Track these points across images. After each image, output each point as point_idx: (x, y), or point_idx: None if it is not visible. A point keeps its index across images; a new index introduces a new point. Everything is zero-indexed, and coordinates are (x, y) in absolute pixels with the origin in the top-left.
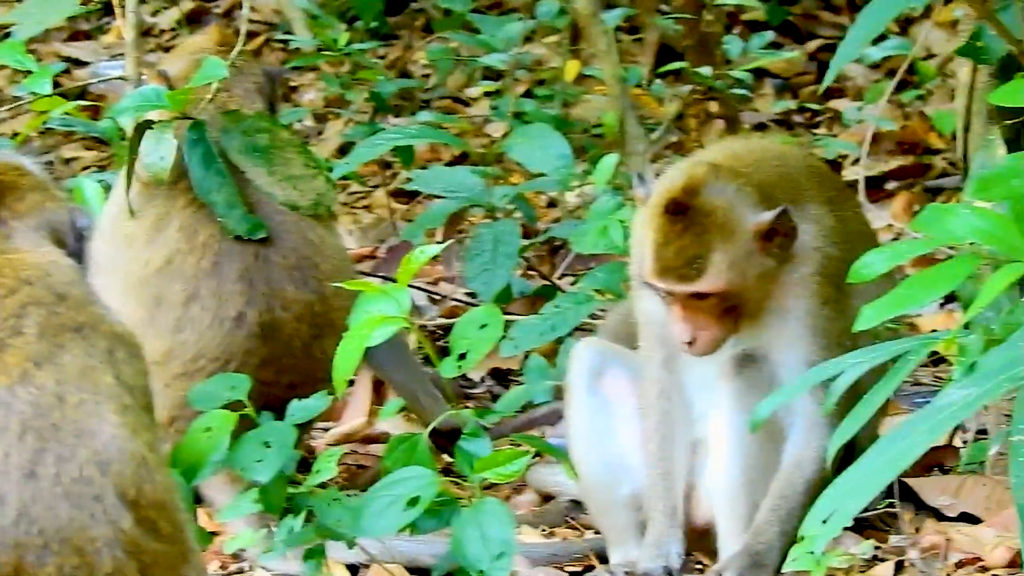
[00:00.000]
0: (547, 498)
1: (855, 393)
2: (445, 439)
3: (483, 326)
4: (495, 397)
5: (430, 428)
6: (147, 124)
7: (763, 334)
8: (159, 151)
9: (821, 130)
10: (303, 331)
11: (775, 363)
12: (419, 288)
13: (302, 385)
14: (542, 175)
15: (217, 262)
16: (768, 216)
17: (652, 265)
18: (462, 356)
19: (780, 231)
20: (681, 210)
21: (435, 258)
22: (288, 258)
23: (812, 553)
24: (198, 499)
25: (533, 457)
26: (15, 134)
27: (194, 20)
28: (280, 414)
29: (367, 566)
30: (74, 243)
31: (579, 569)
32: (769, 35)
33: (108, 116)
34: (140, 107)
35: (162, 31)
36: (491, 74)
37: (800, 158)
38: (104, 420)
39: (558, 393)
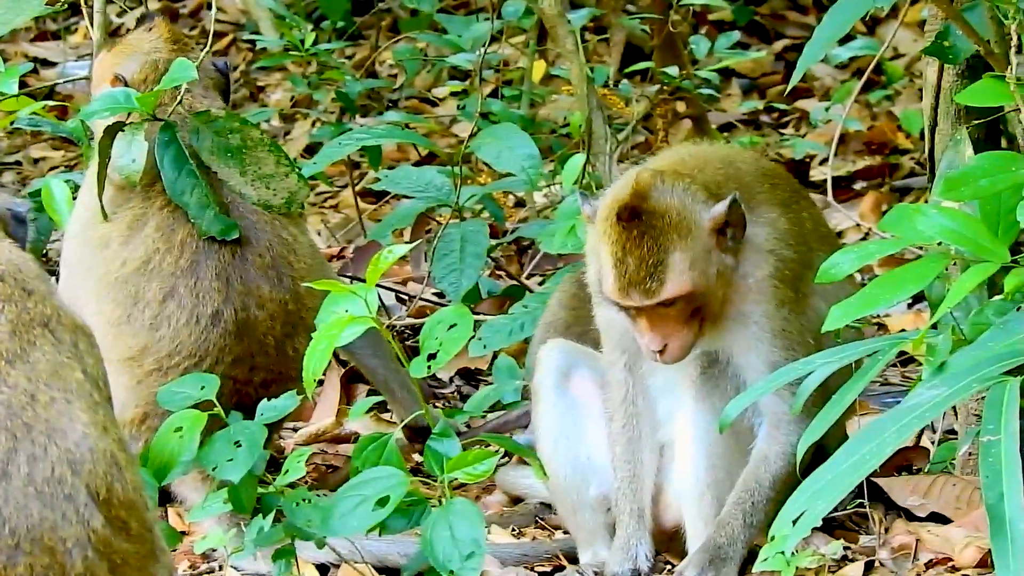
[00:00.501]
0: (516, 500)
1: (822, 392)
2: (417, 433)
3: (452, 326)
4: (464, 397)
5: (403, 424)
6: (118, 126)
7: (725, 338)
8: (131, 153)
9: (789, 130)
10: (277, 329)
11: (738, 366)
12: (387, 288)
13: (275, 383)
14: (510, 175)
15: (195, 261)
16: (720, 208)
17: (614, 284)
18: (432, 356)
19: (732, 222)
20: (635, 215)
21: (403, 258)
22: (264, 257)
23: (782, 553)
24: (170, 498)
25: (502, 458)
26: None
27: None
28: (253, 412)
29: (337, 566)
30: (15, 230)
31: (548, 569)
32: (736, 35)
33: (77, 117)
34: (110, 109)
35: (128, 31)
36: (458, 74)
37: (751, 161)
38: (75, 418)
39: (525, 393)
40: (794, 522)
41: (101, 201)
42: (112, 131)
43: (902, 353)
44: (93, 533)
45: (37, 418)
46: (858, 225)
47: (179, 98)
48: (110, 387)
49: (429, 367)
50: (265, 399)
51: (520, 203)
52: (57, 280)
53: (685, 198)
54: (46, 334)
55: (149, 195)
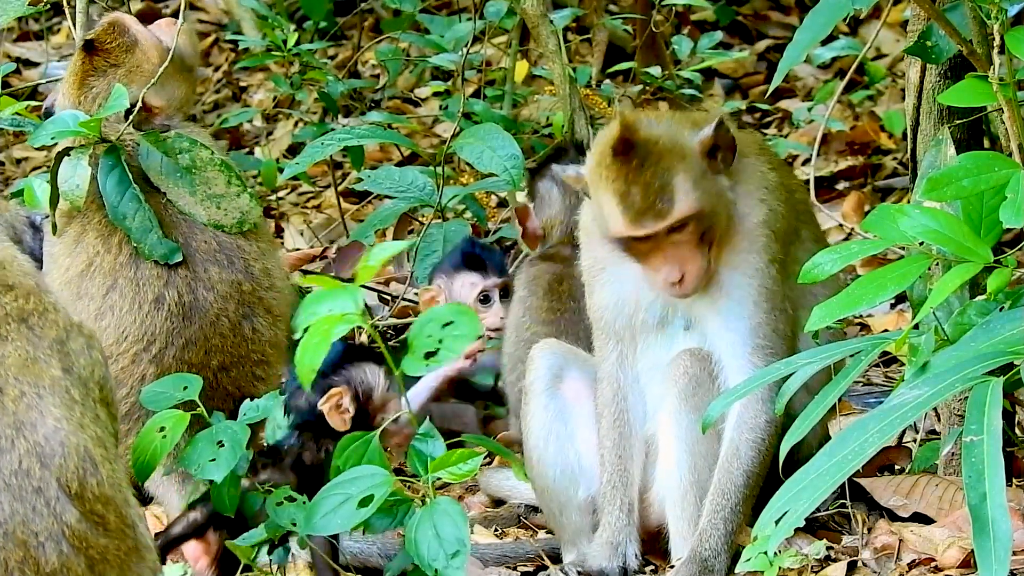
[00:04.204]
0: (499, 503)
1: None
2: None
3: (448, 323)
4: None
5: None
6: (67, 151)
7: (711, 294)
8: (75, 178)
9: (771, 130)
10: (231, 310)
11: (716, 327)
12: (370, 288)
13: (235, 366)
14: (492, 175)
15: (133, 254)
16: (708, 130)
17: (623, 217)
18: (430, 354)
19: (721, 145)
20: (630, 147)
21: None
22: (209, 242)
23: (765, 553)
24: (147, 499)
25: (485, 459)
26: None
27: (143, 21)
28: (213, 397)
29: None
30: (31, 240)
31: (531, 569)
32: (718, 35)
33: (28, 142)
34: (57, 134)
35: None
36: (440, 74)
37: (746, 132)
38: (46, 413)
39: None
40: (776, 522)
41: (54, 219)
42: (61, 155)
43: (885, 353)
44: (67, 527)
45: (4, 411)
46: (841, 225)
47: (129, 119)
48: (114, 394)
49: (427, 365)
50: (226, 384)
51: (502, 203)
52: None
53: (671, 128)
54: (22, 329)
55: (87, 214)
